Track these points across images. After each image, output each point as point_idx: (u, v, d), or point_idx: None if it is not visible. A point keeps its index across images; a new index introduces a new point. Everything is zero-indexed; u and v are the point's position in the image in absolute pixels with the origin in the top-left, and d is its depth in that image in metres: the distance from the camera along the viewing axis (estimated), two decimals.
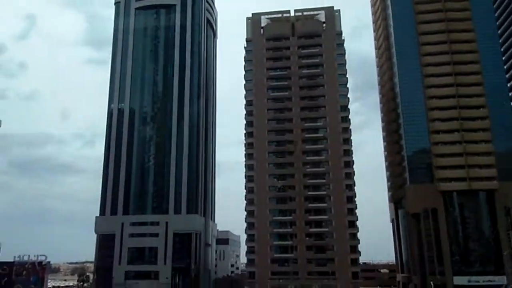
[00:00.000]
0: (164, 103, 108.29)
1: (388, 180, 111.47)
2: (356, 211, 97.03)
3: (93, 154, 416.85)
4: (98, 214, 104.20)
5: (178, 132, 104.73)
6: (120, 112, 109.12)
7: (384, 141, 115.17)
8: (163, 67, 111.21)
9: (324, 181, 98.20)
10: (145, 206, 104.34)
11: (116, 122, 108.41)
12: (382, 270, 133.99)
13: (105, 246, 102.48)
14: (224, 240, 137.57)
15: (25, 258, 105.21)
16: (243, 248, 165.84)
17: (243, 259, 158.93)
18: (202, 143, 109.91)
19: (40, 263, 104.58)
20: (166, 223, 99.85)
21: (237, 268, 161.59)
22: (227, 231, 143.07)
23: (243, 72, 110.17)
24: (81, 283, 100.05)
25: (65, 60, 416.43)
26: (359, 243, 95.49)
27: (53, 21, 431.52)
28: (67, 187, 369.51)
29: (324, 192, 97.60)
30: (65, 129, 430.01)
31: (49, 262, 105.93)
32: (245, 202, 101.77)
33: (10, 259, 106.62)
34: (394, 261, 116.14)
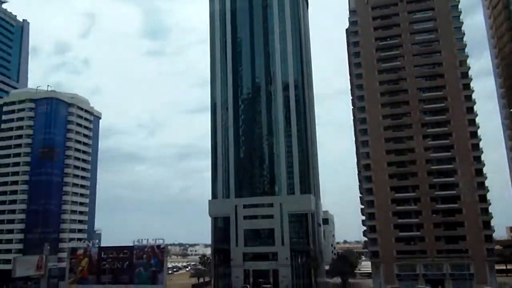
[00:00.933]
0: (268, 81, 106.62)
1: None
2: (486, 184, 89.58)
3: (154, 143, 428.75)
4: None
5: (285, 111, 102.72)
6: (224, 94, 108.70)
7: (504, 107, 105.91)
8: (263, 46, 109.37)
9: (448, 154, 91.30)
10: (256, 188, 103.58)
11: (221, 105, 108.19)
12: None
13: (220, 228, 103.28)
14: (325, 220, 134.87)
15: (144, 242, 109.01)
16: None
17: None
18: (309, 122, 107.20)
19: (158, 246, 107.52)
20: (280, 204, 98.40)
21: (334, 248, 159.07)
22: (326, 211, 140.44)
23: (341, 46, 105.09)
24: (202, 265, 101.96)
25: (124, 53, 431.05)
26: (491, 218, 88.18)
27: (112, 17, 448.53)
28: (135, 175, 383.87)
29: (450, 166, 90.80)
30: (127, 121, 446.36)
31: (166, 245, 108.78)
32: (361, 180, 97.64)
33: (112, 244, 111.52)
34: None
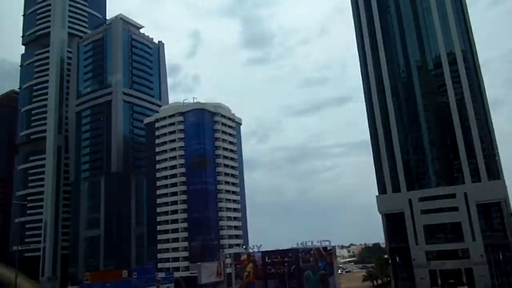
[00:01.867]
0: (426, 57, 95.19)
1: None
2: None
3: (266, 148, 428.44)
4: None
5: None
6: (378, 79, 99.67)
7: None
8: (413, 18, 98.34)
9: None
10: (430, 179, 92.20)
11: (376, 92, 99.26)
12: None
13: (393, 225, 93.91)
14: None
15: (309, 244, 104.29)
16: None
17: None
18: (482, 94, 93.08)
19: (325, 248, 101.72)
20: (465, 194, 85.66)
21: None
22: None
23: None
24: (379, 266, 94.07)
25: (230, 65, 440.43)
26: None
27: (214, 32, 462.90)
28: (252, 180, 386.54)
29: None
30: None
31: (334, 246, 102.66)
32: None
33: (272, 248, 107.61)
34: None
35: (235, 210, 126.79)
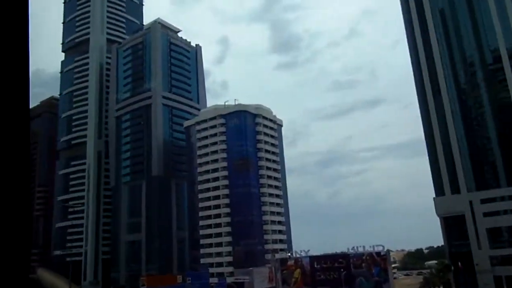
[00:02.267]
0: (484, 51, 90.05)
1: None
2: None
3: (296, 153, 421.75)
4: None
5: None
6: (433, 81, 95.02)
7: None
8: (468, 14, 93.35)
9: None
10: (492, 179, 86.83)
11: (432, 96, 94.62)
12: None
13: (453, 229, 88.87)
14: None
15: (360, 249, 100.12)
16: None
17: None
18: None
19: (378, 253, 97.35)
20: None
21: None
22: None
23: None
24: (438, 272, 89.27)
25: (258, 70, 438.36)
26: None
27: (242, 38, 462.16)
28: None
29: None
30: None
31: (388, 251, 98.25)
32: None
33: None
34: None
35: (278, 214, 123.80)
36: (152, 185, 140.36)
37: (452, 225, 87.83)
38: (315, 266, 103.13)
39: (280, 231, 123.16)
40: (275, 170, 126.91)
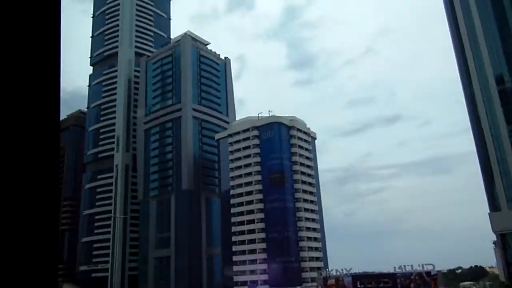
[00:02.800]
0: None
1: None
2: None
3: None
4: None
5: None
6: (484, 87, 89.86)
7: None
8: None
9: None
10: None
11: (484, 104, 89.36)
12: None
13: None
14: None
15: (408, 268, 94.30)
16: None
17: None
18: None
19: (428, 273, 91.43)
20: None
21: None
22: None
23: None
24: None
25: (275, 87, 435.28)
26: None
27: (259, 56, 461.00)
28: None
29: None
30: None
31: (439, 271, 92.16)
32: None
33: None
34: None
35: (314, 230, 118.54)
36: (182, 199, 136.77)
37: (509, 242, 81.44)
38: (358, 286, 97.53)
39: (316, 248, 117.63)
40: (310, 184, 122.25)
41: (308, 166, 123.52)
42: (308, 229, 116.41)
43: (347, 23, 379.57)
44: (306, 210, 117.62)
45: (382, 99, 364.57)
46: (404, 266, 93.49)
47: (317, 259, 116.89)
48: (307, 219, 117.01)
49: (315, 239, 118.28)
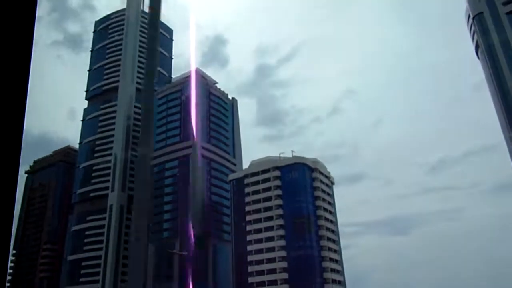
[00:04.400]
0: None
1: None
2: None
3: None
4: None
5: None
6: None
7: None
8: None
9: None
10: None
11: None
12: None
13: None
14: None
15: None
16: None
17: None
18: None
19: None
20: None
21: None
22: None
23: None
24: None
25: (246, 142, 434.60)
26: None
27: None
28: None
29: None
30: None
31: None
32: None
33: None
34: None
35: (339, 283, 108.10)
36: (188, 245, 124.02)
37: None
38: None
39: None
40: (333, 231, 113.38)
41: (330, 212, 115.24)
42: (334, 281, 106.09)
43: (316, 83, 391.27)
44: (332, 260, 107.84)
45: (347, 157, 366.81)
46: None
47: None
48: (333, 270, 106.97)
49: None
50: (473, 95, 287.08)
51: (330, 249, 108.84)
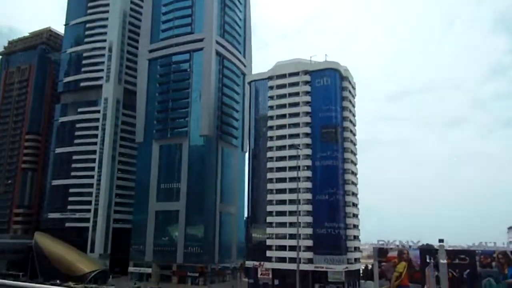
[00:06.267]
0: None
1: None
2: None
3: None
4: None
5: None
6: None
7: None
8: None
9: None
10: None
11: None
12: None
13: None
14: None
15: (491, 245, 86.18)
16: None
17: None
18: None
19: None
20: None
21: None
22: None
23: None
24: None
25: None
26: None
27: None
28: None
29: None
30: None
31: None
32: None
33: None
34: None
35: (354, 194, 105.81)
36: (197, 147, 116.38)
37: None
38: (427, 260, 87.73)
39: (355, 215, 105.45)
40: (354, 144, 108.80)
41: (354, 125, 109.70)
42: (354, 194, 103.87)
43: None
44: (353, 173, 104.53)
45: None
46: (485, 242, 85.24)
47: (355, 227, 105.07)
48: (353, 183, 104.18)
49: (355, 205, 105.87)
50: None
51: (352, 162, 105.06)
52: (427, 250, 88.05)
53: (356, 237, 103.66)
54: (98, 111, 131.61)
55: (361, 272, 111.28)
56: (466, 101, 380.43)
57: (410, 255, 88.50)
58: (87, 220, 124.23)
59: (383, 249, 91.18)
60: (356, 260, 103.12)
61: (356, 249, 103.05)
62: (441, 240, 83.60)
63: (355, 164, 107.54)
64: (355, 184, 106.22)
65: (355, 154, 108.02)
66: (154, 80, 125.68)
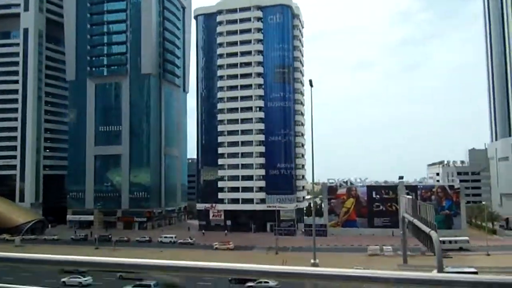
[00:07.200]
0: None
1: None
2: None
3: None
4: None
5: None
6: None
7: None
8: None
9: None
10: None
11: None
12: None
13: None
14: None
15: (430, 182, 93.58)
16: None
17: None
18: None
19: (451, 186, 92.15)
20: None
21: None
22: None
23: None
24: None
25: None
26: None
27: None
28: None
29: None
30: None
31: (461, 185, 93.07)
32: None
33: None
34: None
35: (302, 135, 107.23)
36: (138, 86, 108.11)
37: None
38: (374, 196, 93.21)
39: (302, 155, 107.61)
40: (303, 84, 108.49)
41: (302, 65, 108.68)
42: (302, 134, 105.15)
43: None
44: (302, 114, 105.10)
45: None
46: (426, 178, 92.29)
47: (303, 166, 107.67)
48: (302, 123, 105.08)
49: (303, 145, 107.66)
50: None
51: (301, 103, 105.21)
52: (372, 187, 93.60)
53: (303, 177, 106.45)
54: (17, 44, 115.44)
55: (304, 209, 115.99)
56: (376, 46, 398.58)
57: (358, 192, 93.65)
58: (13, 167, 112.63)
59: (332, 187, 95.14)
60: (304, 198, 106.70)
61: (303, 188, 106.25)
62: (401, 177, 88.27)
63: (303, 105, 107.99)
64: (303, 124, 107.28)
65: (303, 95, 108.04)
66: (84, 10, 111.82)
